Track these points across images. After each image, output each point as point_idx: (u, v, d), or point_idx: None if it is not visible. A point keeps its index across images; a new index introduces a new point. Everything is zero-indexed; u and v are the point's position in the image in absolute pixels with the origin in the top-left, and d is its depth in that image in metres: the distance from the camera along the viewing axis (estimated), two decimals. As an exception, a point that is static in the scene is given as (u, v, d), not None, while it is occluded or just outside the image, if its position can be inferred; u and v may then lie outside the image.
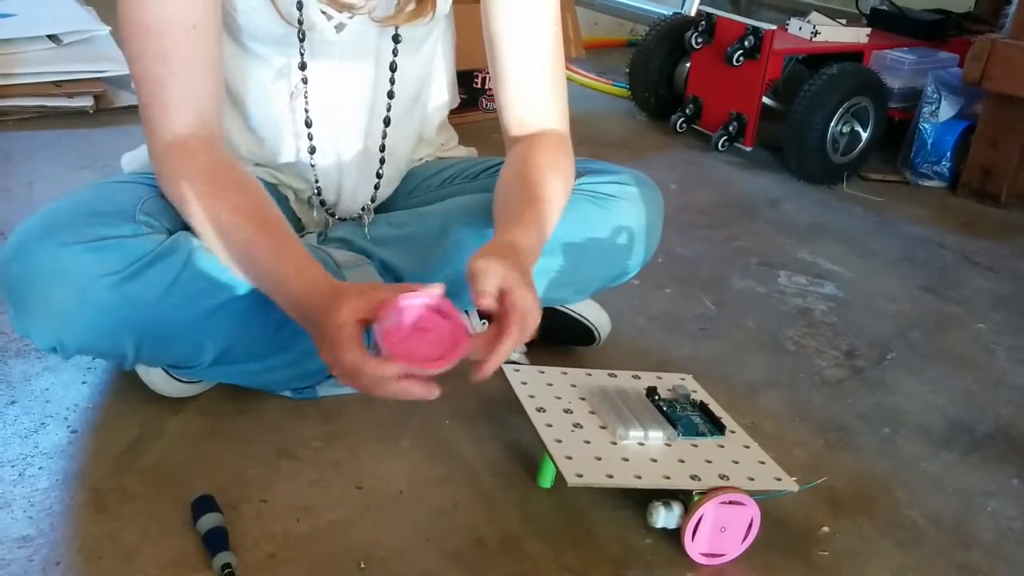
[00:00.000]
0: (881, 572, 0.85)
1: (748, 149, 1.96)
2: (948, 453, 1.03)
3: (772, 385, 1.13)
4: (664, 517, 0.82)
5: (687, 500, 0.82)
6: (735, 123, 1.94)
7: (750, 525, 0.82)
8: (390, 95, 0.99)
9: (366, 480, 0.89)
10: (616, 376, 0.98)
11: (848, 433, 1.05)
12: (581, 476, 0.79)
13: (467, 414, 1.00)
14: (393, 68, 0.97)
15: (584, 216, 1.00)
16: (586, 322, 1.11)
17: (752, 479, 0.83)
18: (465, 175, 1.11)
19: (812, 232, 1.62)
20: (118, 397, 0.97)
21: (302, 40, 0.91)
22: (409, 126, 1.06)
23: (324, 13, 0.90)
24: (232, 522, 0.81)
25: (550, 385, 0.93)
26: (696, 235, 1.55)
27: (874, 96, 1.85)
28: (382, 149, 1.02)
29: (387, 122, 1.00)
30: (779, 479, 0.85)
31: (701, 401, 0.94)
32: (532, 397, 0.90)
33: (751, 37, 1.86)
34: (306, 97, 0.95)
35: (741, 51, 1.87)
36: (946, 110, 1.87)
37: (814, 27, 1.94)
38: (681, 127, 2.05)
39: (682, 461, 0.84)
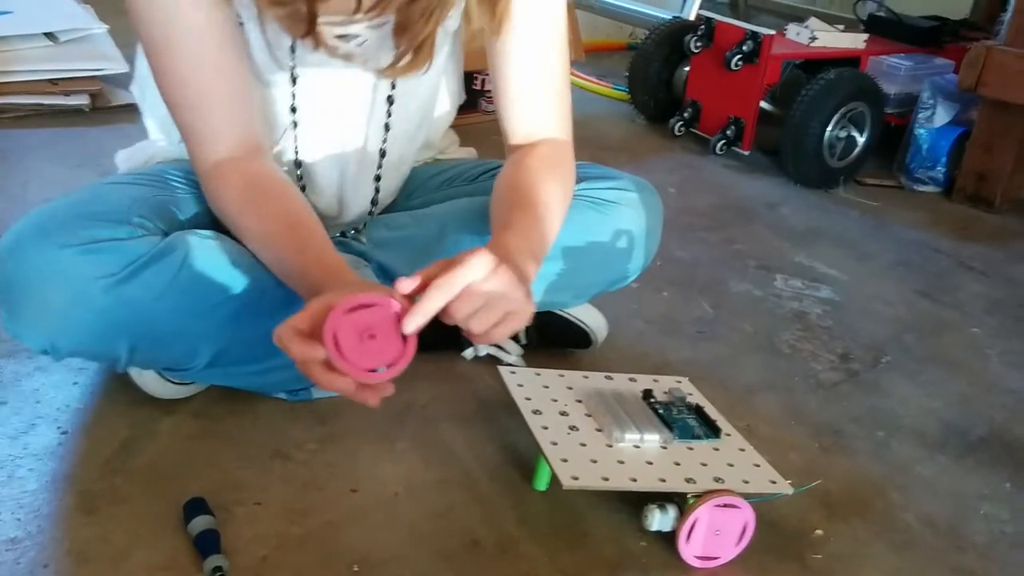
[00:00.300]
0: (875, 575, 0.85)
1: (746, 153, 1.96)
2: (942, 457, 1.03)
3: (768, 388, 1.13)
4: (659, 520, 0.82)
5: (682, 503, 0.82)
6: (733, 127, 1.94)
7: (745, 528, 0.82)
8: (386, 127, 0.98)
9: (361, 482, 0.88)
10: (613, 379, 0.97)
11: (843, 436, 1.05)
12: (577, 479, 0.79)
13: (463, 416, 1.00)
14: (391, 101, 0.97)
15: (584, 221, 1.00)
16: (583, 325, 1.11)
17: (747, 482, 0.83)
18: (464, 177, 1.11)
19: (809, 236, 1.62)
20: (109, 398, 0.97)
21: (294, 82, 0.91)
22: (411, 147, 1.06)
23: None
24: (224, 524, 0.80)
25: (546, 387, 0.93)
26: (694, 238, 1.55)
27: (871, 101, 1.85)
28: (379, 168, 1.01)
29: (383, 153, 1.00)
30: (774, 482, 0.84)
31: (697, 404, 0.94)
32: (528, 399, 0.90)
33: (750, 42, 1.86)
34: (296, 138, 0.95)
35: (740, 56, 1.87)
36: (941, 116, 1.87)
37: (812, 32, 1.94)
38: (680, 131, 2.06)
39: (678, 464, 0.84)
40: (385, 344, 0.72)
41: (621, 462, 0.83)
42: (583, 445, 0.84)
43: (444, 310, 0.72)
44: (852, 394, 1.14)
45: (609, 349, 1.15)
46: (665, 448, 0.86)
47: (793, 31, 1.98)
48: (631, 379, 0.98)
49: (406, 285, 0.72)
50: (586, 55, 2.57)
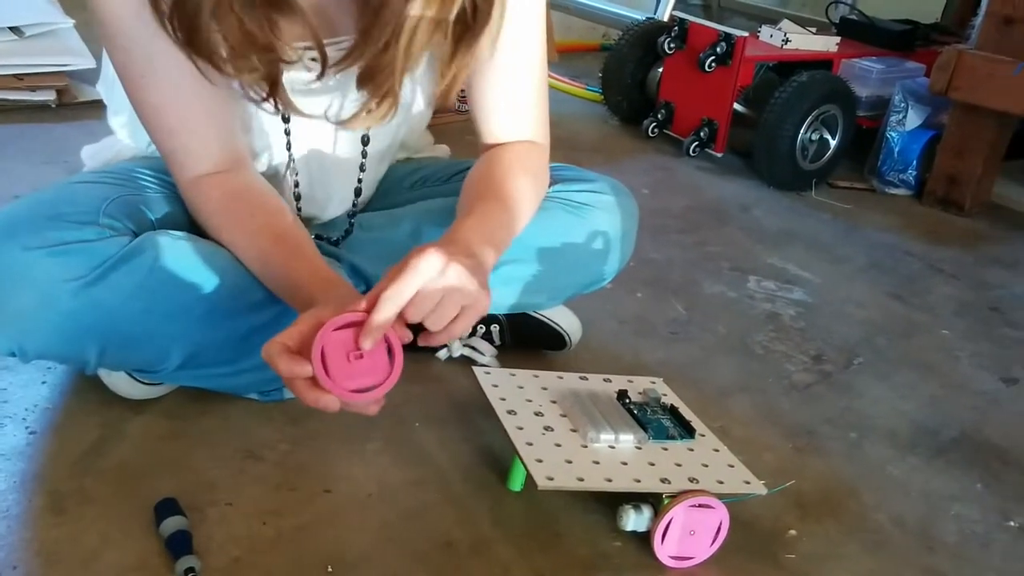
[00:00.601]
0: (848, 575, 0.85)
1: (719, 155, 1.97)
2: (914, 457, 1.04)
3: (742, 389, 1.13)
4: (634, 520, 0.82)
5: (657, 503, 0.82)
6: (706, 129, 1.95)
7: (719, 528, 0.83)
8: (364, 141, 0.97)
9: (334, 483, 0.88)
10: (587, 379, 0.97)
11: (816, 437, 1.05)
12: (551, 479, 0.79)
13: (437, 417, 0.99)
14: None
15: (559, 224, 1.00)
16: (557, 327, 1.11)
17: (721, 482, 0.84)
18: (437, 177, 1.10)
19: (782, 238, 1.64)
20: (78, 398, 0.95)
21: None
22: (396, 137, 1.05)
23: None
24: (196, 526, 0.79)
25: (521, 388, 0.93)
26: (668, 240, 1.56)
27: (843, 104, 1.87)
28: (363, 157, 1.00)
29: (365, 141, 0.98)
30: (748, 483, 0.85)
31: (672, 405, 0.94)
32: (503, 400, 0.90)
33: (723, 43, 1.87)
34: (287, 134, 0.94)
35: (713, 57, 1.88)
36: (913, 119, 1.89)
37: (785, 35, 1.96)
38: (653, 132, 2.06)
39: (652, 464, 0.84)
40: (372, 364, 0.72)
41: (596, 462, 0.83)
42: (558, 445, 0.84)
43: (400, 315, 0.72)
44: (825, 395, 1.14)
45: (583, 350, 1.15)
46: (640, 448, 0.86)
47: (766, 33, 2.00)
48: (605, 379, 0.98)
49: (361, 307, 0.72)
50: (559, 56, 2.58)
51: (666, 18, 2.26)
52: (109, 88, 1.00)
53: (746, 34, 1.87)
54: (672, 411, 0.93)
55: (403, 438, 0.95)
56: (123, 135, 1.03)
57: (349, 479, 0.88)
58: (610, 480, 0.81)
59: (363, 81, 0.80)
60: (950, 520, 0.94)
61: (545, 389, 0.94)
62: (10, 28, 1.86)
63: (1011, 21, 1.68)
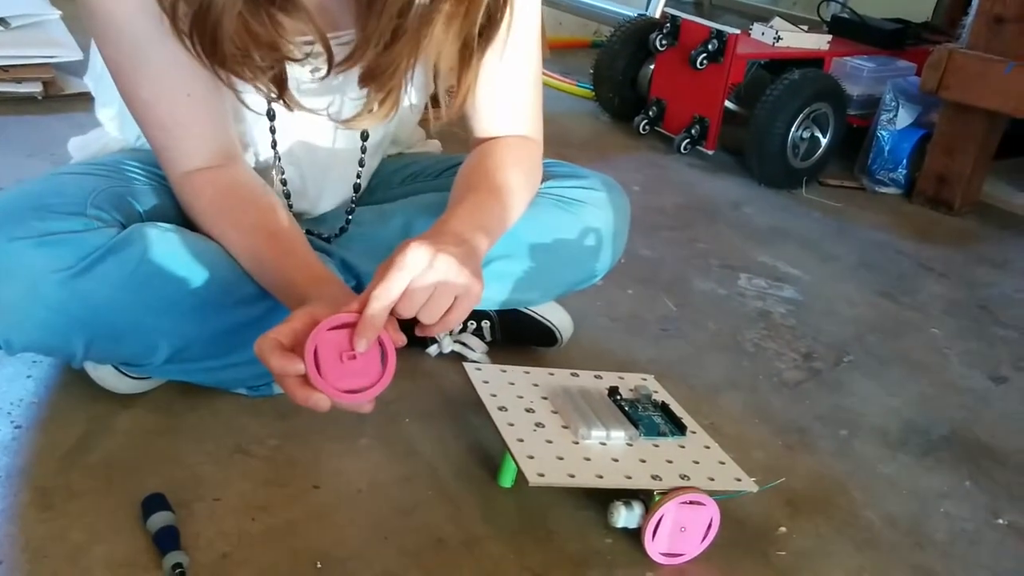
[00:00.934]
0: (838, 572, 0.85)
1: (710, 152, 1.97)
2: (904, 455, 1.04)
3: (732, 386, 1.13)
4: (625, 517, 0.82)
5: (648, 500, 0.82)
6: (698, 126, 1.95)
7: (710, 525, 0.82)
8: (364, 136, 0.96)
9: (324, 479, 0.87)
10: (578, 376, 0.97)
11: (806, 435, 1.05)
12: (543, 475, 0.79)
13: (428, 413, 0.99)
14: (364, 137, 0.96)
15: (551, 220, 0.99)
16: (548, 323, 1.10)
17: (712, 479, 0.83)
18: (428, 173, 1.10)
19: (772, 236, 1.64)
20: (65, 392, 0.94)
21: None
22: (380, 147, 1.04)
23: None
24: (184, 521, 0.79)
25: (512, 384, 0.93)
26: (659, 237, 1.56)
27: (834, 102, 1.87)
28: (362, 152, 0.99)
29: (365, 136, 0.97)
30: (739, 479, 0.85)
31: (663, 401, 0.94)
32: (494, 396, 0.89)
33: (715, 41, 1.87)
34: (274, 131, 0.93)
35: (705, 54, 1.88)
36: (903, 118, 1.90)
37: (776, 33, 1.96)
38: (644, 129, 2.06)
39: (643, 461, 0.84)
40: (365, 365, 0.72)
41: (587, 459, 0.82)
42: (549, 442, 0.84)
43: (394, 317, 0.71)
44: (815, 393, 1.14)
45: (574, 346, 1.14)
46: (631, 445, 0.86)
47: (758, 31, 2.00)
48: (597, 376, 0.97)
49: (354, 307, 0.71)
50: (551, 52, 2.57)
51: (658, 15, 2.26)
52: (97, 80, 0.99)
53: (738, 32, 1.87)
54: (663, 408, 0.93)
55: (394, 434, 0.95)
56: (111, 128, 1.02)
57: (339, 475, 0.88)
58: (601, 477, 0.80)
59: (365, 80, 0.80)
60: (940, 518, 0.95)
61: (536, 385, 0.93)
62: (-4, 19, 1.85)
63: (1002, 20, 1.69)
